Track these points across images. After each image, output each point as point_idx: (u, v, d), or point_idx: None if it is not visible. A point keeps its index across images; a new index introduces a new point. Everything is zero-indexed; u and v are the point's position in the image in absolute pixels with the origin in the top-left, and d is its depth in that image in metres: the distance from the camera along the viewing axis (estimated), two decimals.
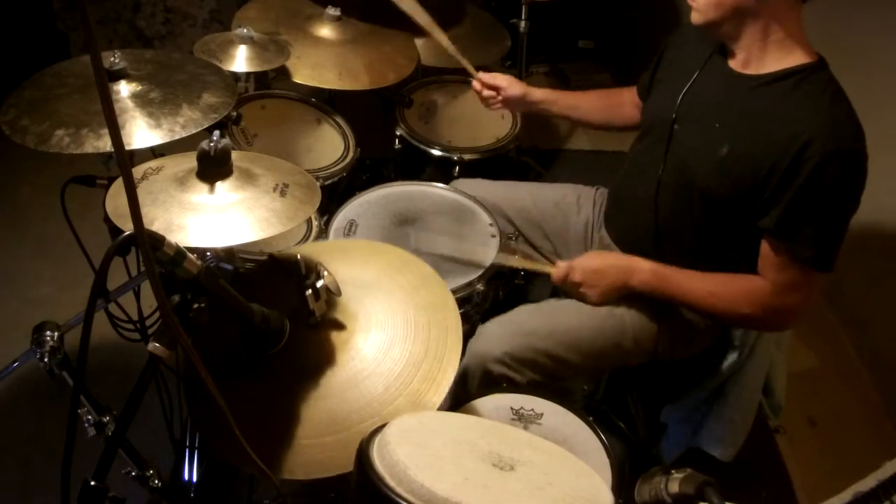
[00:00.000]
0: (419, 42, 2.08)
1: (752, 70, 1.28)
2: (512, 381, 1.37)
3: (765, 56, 1.25)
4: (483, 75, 1.75)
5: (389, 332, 1.09)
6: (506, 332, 1.41)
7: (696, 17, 1.28)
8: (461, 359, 1.08)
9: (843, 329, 2.22)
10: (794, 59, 1.24)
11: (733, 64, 1.31)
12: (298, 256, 1.07)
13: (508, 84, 1.72)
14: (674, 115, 1.37)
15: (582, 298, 1.45)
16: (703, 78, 1.36)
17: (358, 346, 1.07)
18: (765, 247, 1.28)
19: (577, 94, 1.78)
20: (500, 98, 1.74)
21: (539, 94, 1.74)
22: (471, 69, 1.80)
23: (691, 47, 1.42)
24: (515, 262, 1.53)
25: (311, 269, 1.06)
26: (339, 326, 1.09)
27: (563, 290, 1.48)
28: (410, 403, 1.01)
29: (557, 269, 1.46)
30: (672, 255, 1.41)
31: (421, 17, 1.79)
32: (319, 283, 1.04)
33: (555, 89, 1.81)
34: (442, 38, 1.79)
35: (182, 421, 1.63)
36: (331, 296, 1.07)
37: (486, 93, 1.75)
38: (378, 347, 1.07)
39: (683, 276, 1.37)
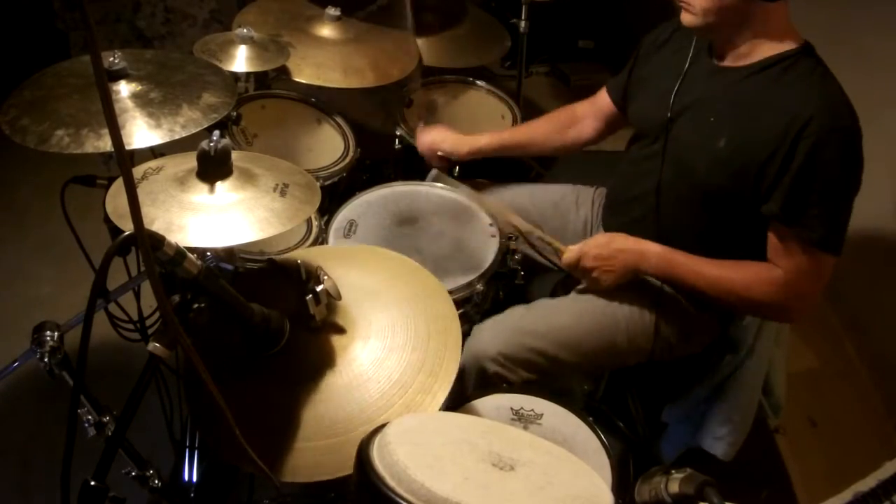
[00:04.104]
0: (420, 41, 2.08)
1: (739, 62, 1.28)
2: (506, 381, 1.37)
3: (752, 50, 1.26)
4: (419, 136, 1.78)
5: (388, 341, 1.09)
6: (500, 331, 1.42)
7: (689, 20, 1.26)
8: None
9: (843, 329, 2.21)
10: (781, 47, 1.24)
11: (719, 58, 1.31)
12: (299, 261, 1.07)
13: (443, 139, 1.73)
14: (669, 115, 1.36)
15: (594, 283, 1.44)
16: (691, 74, 1.35)
17: (357, 351, 1.07)
18: (772, 235, 1.27)
19: (527, 125, 1.78)
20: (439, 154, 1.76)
21: (484, 140, 1.72)
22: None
23: (673, 45, 1.42)
24: (527, 227, 1.52)
25: (311, 274, 1.06)
26: (339, 331, 1.09)
27: (574, 274, 1.47)
28: (405, 413, 1.01)
29: (569, 252, 1.45)
30: None
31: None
32: (319, 288, 1.04)
33: (501, 130, 1.80)
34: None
35: (182, 421, 1.63)
36: (331, 300, 1.06)
37: (429, 154, 1.77)
38: (376, 355, 1.07)
39: (693, 260, 1.35)
